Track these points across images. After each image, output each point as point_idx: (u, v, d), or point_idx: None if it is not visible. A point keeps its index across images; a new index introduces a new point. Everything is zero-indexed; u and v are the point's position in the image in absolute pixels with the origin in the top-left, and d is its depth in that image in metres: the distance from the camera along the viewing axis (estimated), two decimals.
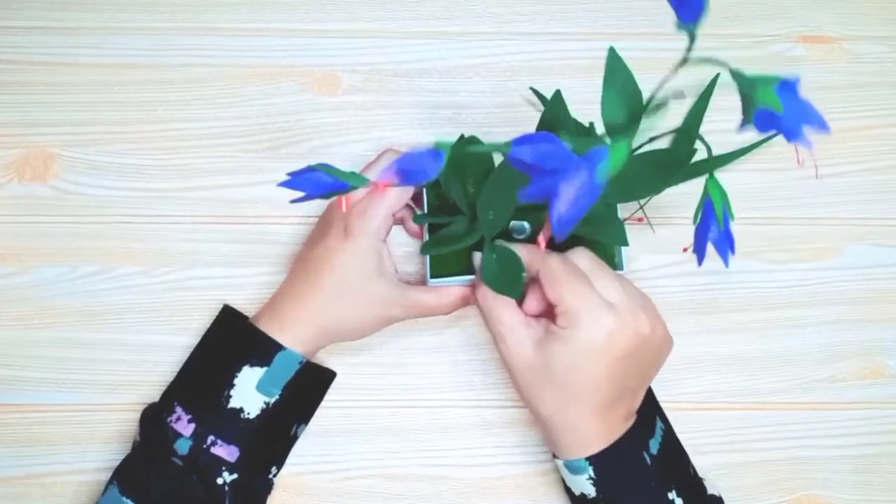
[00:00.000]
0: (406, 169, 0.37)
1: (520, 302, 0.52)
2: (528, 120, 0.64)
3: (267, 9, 0.66)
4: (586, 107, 0.65)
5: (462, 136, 0.55)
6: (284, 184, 0.40)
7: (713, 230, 0.48)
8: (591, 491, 0.52)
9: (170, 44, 0.65)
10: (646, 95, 0.49)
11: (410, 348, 0.62)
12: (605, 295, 0.50)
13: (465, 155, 0.40)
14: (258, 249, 0.62)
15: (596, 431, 0.51)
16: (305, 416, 0.57)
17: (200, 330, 0.58)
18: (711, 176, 0.47)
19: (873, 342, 0.63)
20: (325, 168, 0.40)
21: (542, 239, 0.48)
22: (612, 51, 0.49)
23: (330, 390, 0.59)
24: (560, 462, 0.53)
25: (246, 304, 0.60)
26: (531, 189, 0.37)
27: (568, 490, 0.55)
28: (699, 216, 0.48)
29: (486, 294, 0.52)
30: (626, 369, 0.50)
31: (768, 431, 0.62)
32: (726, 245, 0.49)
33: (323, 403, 0.59)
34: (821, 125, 0.37)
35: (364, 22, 0.66)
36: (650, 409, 0.55)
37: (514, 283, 0.52)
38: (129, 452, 0.55)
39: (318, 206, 0.62)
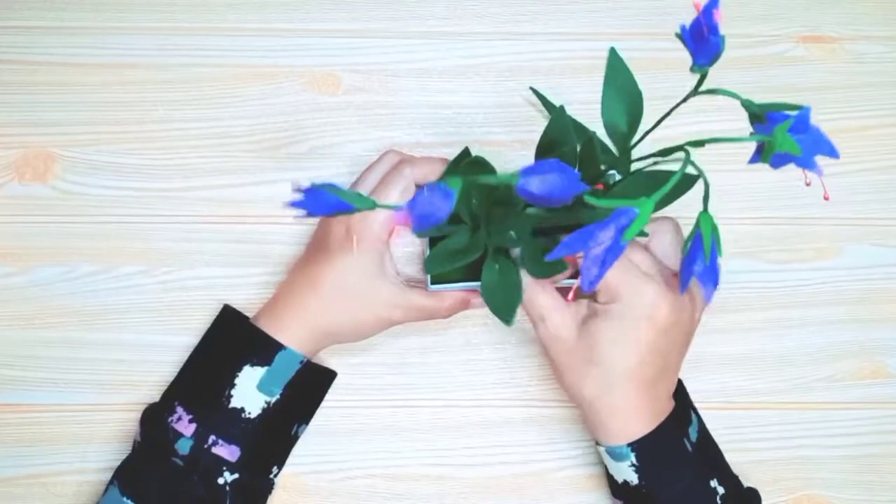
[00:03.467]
0: (419, 214, 0.37)
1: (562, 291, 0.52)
2: (528, 120, 0.64)
3: (267, 9, 0.65)
4: (586, 107, 0.65)
5: (466, 150, 0.55)
6: (292, 204, 0.41)
7: (699, 264, 0.48)
8: (633, 478, 0.52)
9: (170, 44, 0.65)
10: (646, 96, 0.49)
11: (411, 348, 0.62)
12: (643, 268, 0.50)
13: (472, 182, 0.40)
14: (258, 249, 0.62)
15: (638, 413, 0.51)
16: (306, 416, 0.57)
17: (200, 330, 0.58)
18: (705, 210, 0.47)
19: (873, 342, 0.63)
20: (331, 188, 0.40)
21: (571, 295, 0.49)
22: (612, 51, 0.49)
23: (331, 390, 0.59)
24: (602, 449, 0.53)
25: (246, 304, 0.60)
26: (560, 250, 0.38)
27: (610, 478, 0.55)
28: (688, 247, 0.48)
29: (525, 279, 0.52)
30: (667, 342, 0.51)
31: (768, 431, 0.62)
32: (710, 280, 0.49)
33: (324, 403, 0.59)
34: (831, 153, 0.39)
35: (364, 22, 0.66)
36: (683, 397, 0.55)
37: (510, 296, 0.52)
38: (129, 453, 0.55)
39: None
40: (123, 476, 0.53)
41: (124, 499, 0.52)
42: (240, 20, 0.65)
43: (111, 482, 0.53)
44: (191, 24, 0.65)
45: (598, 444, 0.54)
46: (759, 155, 0.40)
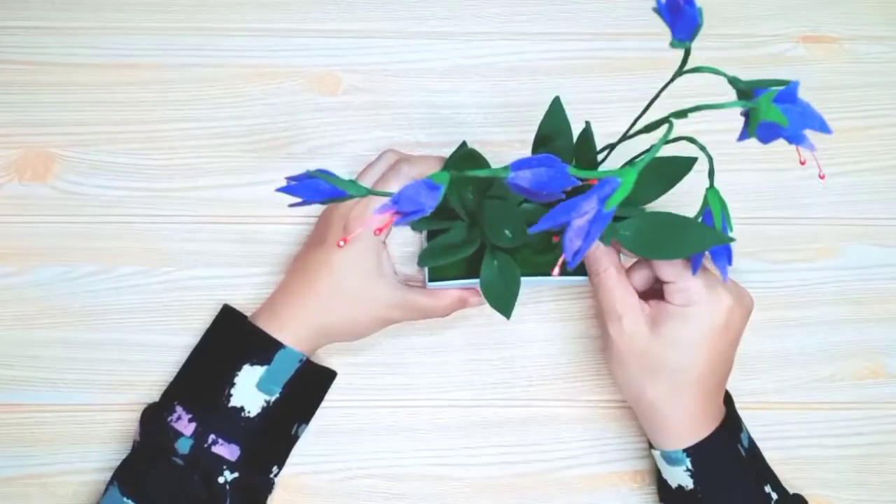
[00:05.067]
0: (404, 207, 0.37)
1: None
2: (528, 120, 0.64)
3: (267, 9, 0.66)
4: (586, 107, 0.65)
5: (463, 143, 0.55)
6: (283, 189, 0.41)
7: None
8: (688, 483, 0.52)
9: (170, 44, 0.65)
10: (644, 97, 0.49)
11: (411, 348, 0.62)
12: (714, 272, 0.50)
13: (464, 177, 0.40)
14: (258, 249, 0.62)
15: (696, 419, 0.51)
16: (306, 416, 0.57)
17: (200, 330, 0.58)
18: (711, 186, 0.46)
19: (873, 342, 0.63)
20: (323, 175, 0.40)
21: (556, 268, 0.49)
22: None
23: (331, 390, 0.59)
24: (657, 453, 0.53)
25: (246, 304, 0.60)
26: (543, 223, 0.38)
27: (663, 483, 0.55)
28: None
29: (608, 273, 0.51)
30: (733, 352, 0.51)
31: (768, 431, 0.62)
32: (724, 257, 0.48)
33: (324, 403, 0.59)
34: (822, 128, 0.38)
35: (364, 22, 0.66)
36: (731, 404, 0.55)
37: (509, 291, 0.51)
38: (129, 452, 0.55)
39: (317, 206, 0.62)
40: (123, 476, 0.53)
41: (125, 499, 0.52)
42: (240, 20, 0.65)
43: (111, 482, 0.53)
44: (191, 24, 0.65)
45: (651, 447, 0.54)
46: (747, 129, 0.39)
